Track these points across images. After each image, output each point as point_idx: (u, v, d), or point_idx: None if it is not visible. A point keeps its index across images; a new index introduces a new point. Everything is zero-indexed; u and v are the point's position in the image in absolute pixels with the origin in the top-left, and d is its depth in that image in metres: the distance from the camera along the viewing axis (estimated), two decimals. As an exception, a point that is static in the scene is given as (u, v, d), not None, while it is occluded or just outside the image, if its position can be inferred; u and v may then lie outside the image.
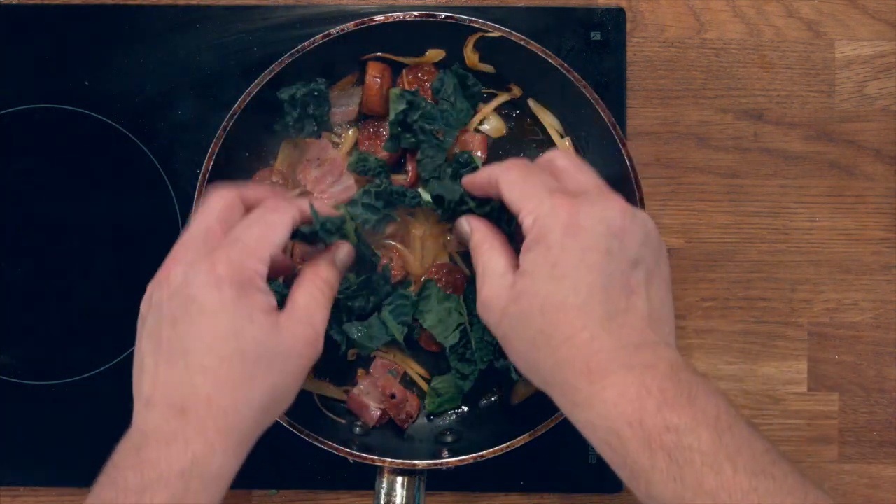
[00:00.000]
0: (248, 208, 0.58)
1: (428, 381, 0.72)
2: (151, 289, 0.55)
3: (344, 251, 0.61)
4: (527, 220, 0.54)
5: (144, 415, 0.51)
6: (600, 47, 0.75)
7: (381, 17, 0.67)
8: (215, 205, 0.56)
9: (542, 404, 0.68)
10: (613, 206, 0.53)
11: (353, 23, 0.67)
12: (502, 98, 0.72)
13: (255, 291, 0.53)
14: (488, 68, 0.71)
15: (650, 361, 0.49)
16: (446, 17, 0.67)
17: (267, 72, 0.67)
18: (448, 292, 0.70)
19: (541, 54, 0.67)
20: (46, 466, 0.75)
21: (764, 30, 0.76)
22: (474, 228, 0.60)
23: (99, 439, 0.74)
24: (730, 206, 0.76)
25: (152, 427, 0.50)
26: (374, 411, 0.71)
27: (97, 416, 0.75)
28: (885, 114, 0.76)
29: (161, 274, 0.54)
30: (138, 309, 0.74)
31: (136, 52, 0.75)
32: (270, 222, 0.55)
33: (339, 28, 0.67)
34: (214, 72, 0.75)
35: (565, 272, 0.51)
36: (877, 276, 0.76)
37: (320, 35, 0.67)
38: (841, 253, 0.76)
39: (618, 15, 0.75)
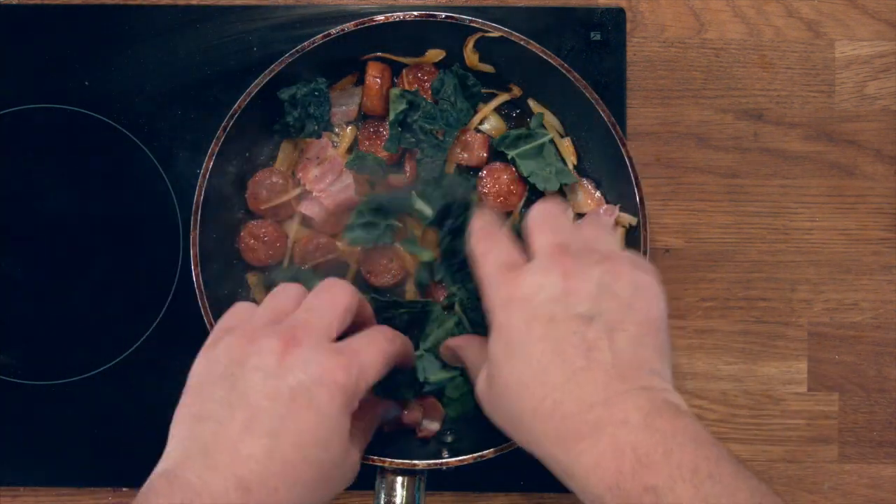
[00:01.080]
0: (356, 316, 0.58)
1: (438, 396, 0.72)
2: (251, 343, 0.53)
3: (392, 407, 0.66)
4: (484, 303, 0.55)
5: (199, 466, 0.49)
6: (600, 47, 0.75)
7: (381, 17, 0.67)
8: (342, 301, 0.56)
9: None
10: (555, 268, 0.52)
11: (353, 23, 0.67)
12: (502, 98, 0.72)
13: (350, 410, 0.53)
14: (488, 68, 0.71)
15: (621, 415, 0.48)
16: (446, 17, 0.67)
17: (267, 72, 0.67)
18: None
19: (541, 54, 0.67)
20: (46, 466, 0.75)
21: (764, 30, 0.76)
22: (456, 346, 0.63)
23: (99, 439, 0.75)
24: (730, 206, 0.76)
25: (209, 488, 0.49)
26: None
27: (97, 416, 0.75)
28: (885, 114, 0.76)
29: (274, 341, 0.53)
30: (138, 309, 0.74)
31: (136, 52, 0.75)
32: (385, 351, 0.56)
33: (339, 28, 0.67)
34: (214, 72, 0.75)
35: (516, 348, 0.51)
36: (877, 276, 0.76)
37: (320, 35, 0.67)
38: (841, 253, 0.76)
39: (618, 15, 0.75)
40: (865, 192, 0.76)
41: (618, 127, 0.67)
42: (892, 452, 0.76)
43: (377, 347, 0.56)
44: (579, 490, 0.50)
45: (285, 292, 0.58)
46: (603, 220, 0.61)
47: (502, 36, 0.67)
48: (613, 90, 0.75)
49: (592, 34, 0.75)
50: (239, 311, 0.57)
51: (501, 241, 0.58)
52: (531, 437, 0.52)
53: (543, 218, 0.58)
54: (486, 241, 0.58)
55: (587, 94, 0.67)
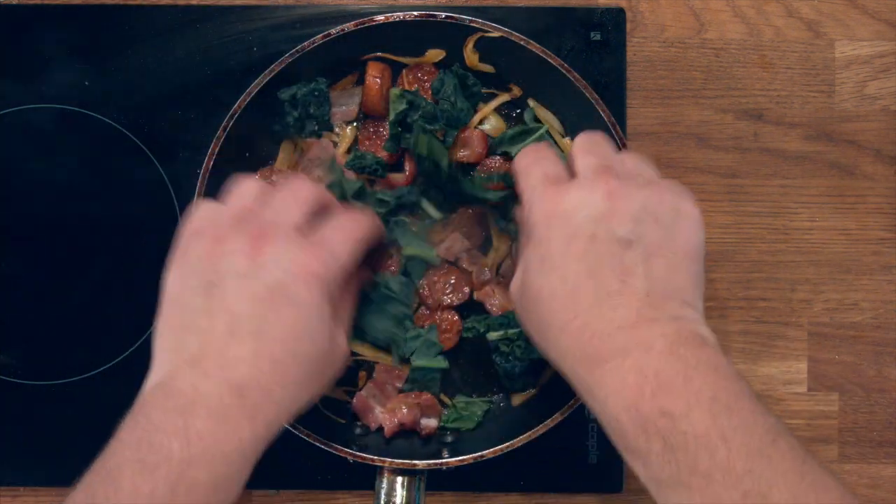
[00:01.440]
0: (321, 208, 0.58)
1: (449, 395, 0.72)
2: (220, 245, 0.52)
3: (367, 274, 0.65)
4: (522, 213, 0.55)
5: (190, 376, 0.49)
6: (600, 47, 0.75)
7: (381, 17, 0.67)
8: (306, 194, 0.56)
9: (542, 405, 0.69)
10: (599, 187, 0.52)
11: (353, 23, 0.67)
12: (502, 98, 0.72)
13: (330, 298, 0.53)
14: (488, 68, 0.71)
15: (647, 341, 0.48)
16: (446, 17, 0.67)
17: (267, 72, 0.67)
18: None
19: (541, 54, 0.67)
20: (46, 466, 0.75)
21: (764, 30, 0.76)
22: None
23: (99, 439, 0.75)
24: (730, 206, 0.76)
25: (203, 395, 0.49)
26: (379, 415, 0.70)
27: (97, 416, 0.74)
28: (885, 114, 0.76)
29: (243, 241, 0.52)
30: (138, 309, 0.74)
31: (136, 52, 0.75)
32: (355, 236, 0.57)
33: (339, 28, 0.67)
34: (214, 72, 0.75)
35: (553, 263, 0.51)
36: (877, 276, 0.76)
37: (320, 35, 0.67)
38: (841, 253, 0.76)
39: (618, 15, 0.75)
40: (865, 192, 0.76)
41: (618, 127, 0.67)
42: (892, 452, 0.76)
43: (347, 233, 0.56)
44: (598, 410, 0.50)
45: (248, 189, 0.56)
46: (643, 155, 0.61)
47: (502, 36, 0.67)
48: (613, 90, 0.75)
49: (592, 34, 0.75)
50: (205, 213, 0.56)
51: (548, 156, 0.58)
52: (556, 351, 0.52)
53: (589, 143, 0.57)
54: (532, 154, 0.58)
55: (587, 94, 0.67)
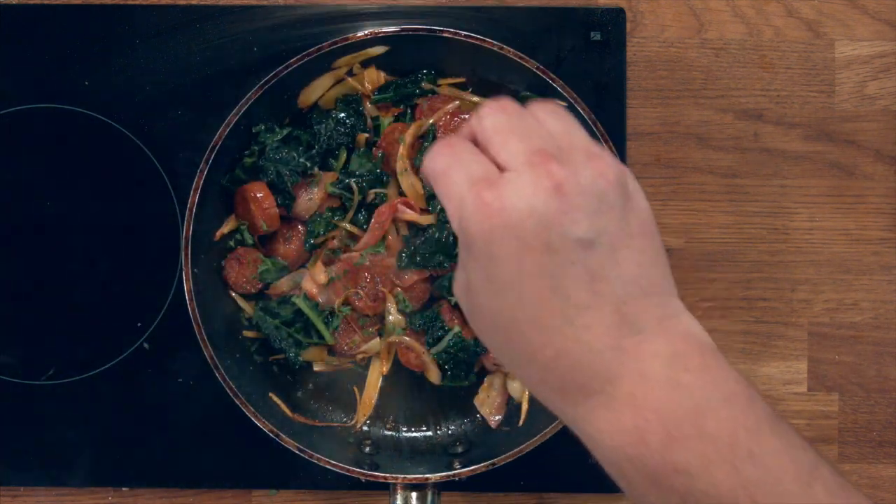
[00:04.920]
0: None
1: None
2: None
3: None
4: (453, 225, 0.43)
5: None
6: (600, 47, 0.75)
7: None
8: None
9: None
10: (542, 182, 0.41)
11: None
12: None
13: None
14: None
15: (637, 366, 0.42)
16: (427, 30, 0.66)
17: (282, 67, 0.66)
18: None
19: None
20: (46, 466, 0.75)
21: (764, 30, 0.76)
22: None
23: (99, 439, 0.75)
24: (730, 206, 0.76)
25: None
26: None
27: (97, 416, 0.75)
28: (885, 114, 0.76)
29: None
30: (138, 309, 0.74)
31: (136, 52, 0.75)
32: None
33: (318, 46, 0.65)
34: (214, 72, 0.75)
35: (503, 285, 0.42)
36: (877, 276, 0.76)
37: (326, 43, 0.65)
38: (841, 253, 0.76)
39: (618, 15, 0.75)
40: (865, 192, 0.76)
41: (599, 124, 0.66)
42: (892, 452, 0.76)
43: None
44: (589, 445, 0.44)
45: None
46: (558, 107, 0.46)
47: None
48: (613, 90, 0.75)
49: (592, 34, 0.75)
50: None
51: (465, 151, 0.44)
52: (528, 381, 0.45)
53: (504, 119, 0.44)
54: (446, 154, 0.44)
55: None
